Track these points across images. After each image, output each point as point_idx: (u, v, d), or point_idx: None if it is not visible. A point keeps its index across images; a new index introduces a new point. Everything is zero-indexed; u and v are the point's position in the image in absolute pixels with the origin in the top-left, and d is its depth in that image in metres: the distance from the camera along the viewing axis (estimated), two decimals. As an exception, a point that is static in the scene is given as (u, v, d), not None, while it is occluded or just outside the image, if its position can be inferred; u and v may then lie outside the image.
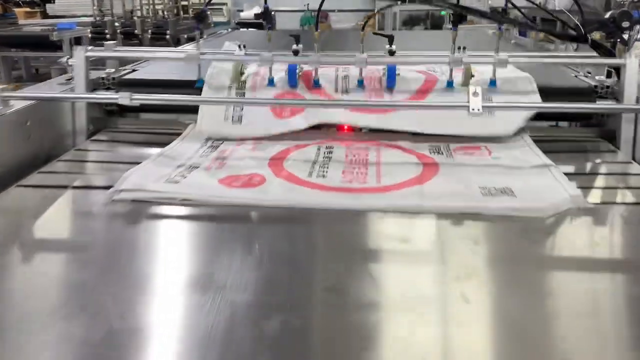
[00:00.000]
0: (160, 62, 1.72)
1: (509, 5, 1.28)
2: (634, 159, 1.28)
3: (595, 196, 1.04)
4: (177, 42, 6.32)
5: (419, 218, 0.94)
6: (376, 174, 1.12)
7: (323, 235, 0.91)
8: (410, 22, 8.36)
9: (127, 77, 1.52)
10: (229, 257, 0.80)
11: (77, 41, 6.16)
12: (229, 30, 2.85)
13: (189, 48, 1.43)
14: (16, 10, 7.60)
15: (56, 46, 5.91)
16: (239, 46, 1.48)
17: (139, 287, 0.75)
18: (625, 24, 3.30)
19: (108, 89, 1.49)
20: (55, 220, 0.98)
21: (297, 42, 1.43)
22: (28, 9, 8.03)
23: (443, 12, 9.33)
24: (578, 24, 1.46)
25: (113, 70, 1.51)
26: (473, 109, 1.09)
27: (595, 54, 1.42)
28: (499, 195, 1.00)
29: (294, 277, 0.76)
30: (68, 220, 0.99)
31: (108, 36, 6.08)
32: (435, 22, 8.18)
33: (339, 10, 8.58)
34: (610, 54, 1.44)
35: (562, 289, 0.76)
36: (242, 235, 0.89)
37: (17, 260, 0.84)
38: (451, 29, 1.32)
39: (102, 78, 1.49)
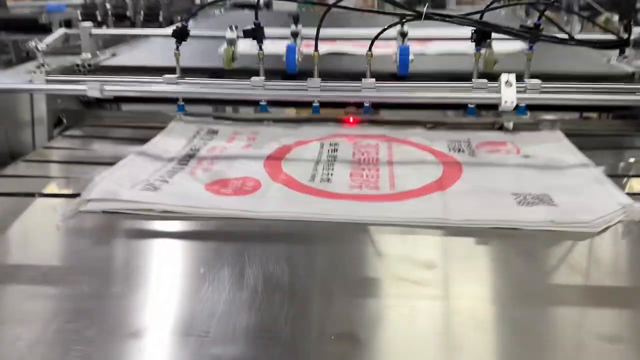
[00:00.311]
0: (143, 46, 1.55)
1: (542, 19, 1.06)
2: None
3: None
4: (170, 24, 6.11)
5: (444, 234, 0.78)
6: (389, 176, 0.97)
7: (329, 258, 0.75)
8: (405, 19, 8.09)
9: (105, 63, 1.35)
10: (216, 291, 0.65)
11: (67, 23, 5.95)
12: (222, 11, 2.66)
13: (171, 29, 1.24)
14: (5, -9, 7.35)
15: (47, 29, 5.71)
16: (231, 27, 1.32)
17: (104, 331, 0.59)
18: (640, 4, 3.01)
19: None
20: (11, 237, 0.82)
21: (296, 23, 1.27)
22: (17, -10, 7.78)
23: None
24: (619, 28, 1.28)
25: (90, 56, 1.35)
26: (506, 102, 0.92)
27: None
28: (536, 204, 0.84)
29: (294, 319, 0.60)
30: (26, 238, 0.83)
31: (99, 18, 5.88)
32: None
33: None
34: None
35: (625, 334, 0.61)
36: (232, 258, 0.73)
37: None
38: (475, 49, 1.11)
39: (77, 65, 1.33)
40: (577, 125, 1.25)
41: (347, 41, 1.44)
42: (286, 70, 1.22)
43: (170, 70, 1.22)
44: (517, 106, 1.01)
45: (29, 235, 0.84)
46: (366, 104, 1.13)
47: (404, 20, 1.08)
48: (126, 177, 0.93)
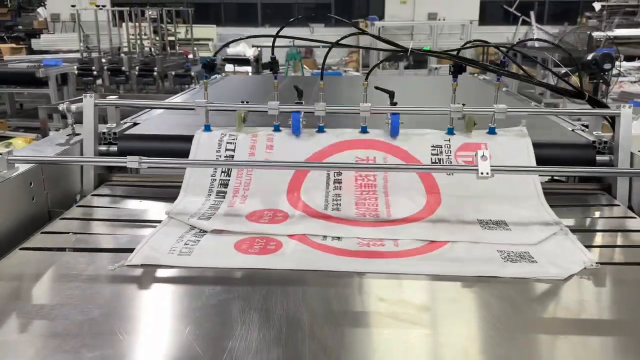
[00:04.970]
0: (158, 117, 1.72)
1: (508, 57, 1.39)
2: (631, 208, 1.31)
3: (604, 256, 1.05)
4: (164, 78, 6.34)
5: (438, 282, 0.96)
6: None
7: (341, 302, 0.90)
8: (394, 57, 8.53)
9: (129, 132, 1.51)
10: (245, 332, 0.79)
11: (64, 78, 6.15)
12: (223, 75, 2.84)
13: (179, 100, 1.42)
14: (1, 46, 7.58)
15: (42, 82, 5.89)
16: (242, 102, 1.49)
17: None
18: (607, 66, 3.36)
19: (110, 143, 1.48)
20: (55, 289, 0.95)
21: (300, 96, 1.45)
22: (14, 45, 8.02)
23: (426, 47, 9.56)
24: (577, 81, 1.50)
25: (114, 124, 1.51)
26: (482, 173, 1.10)
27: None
28: (518, 261, 1.01)
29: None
30: (67, 290, 0.92)
31: (95, 73, 6.09)
32: (417, 58, 8.33)
33: (324, 46, 8.65)
34: (606, 109, 1.48)
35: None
36: (258, 302, 0.87)
37: (14, 333, 0.81)
38: (453, 80, 1.37)
39: (104, 132, 1.48)
40: (546, 186, 1.42)
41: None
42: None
43: (185, 138, 1.39)
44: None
45: (67, 286, 0.93)
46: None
47: (390, 56, 1.35)
48: (163, 243, 1.06)
